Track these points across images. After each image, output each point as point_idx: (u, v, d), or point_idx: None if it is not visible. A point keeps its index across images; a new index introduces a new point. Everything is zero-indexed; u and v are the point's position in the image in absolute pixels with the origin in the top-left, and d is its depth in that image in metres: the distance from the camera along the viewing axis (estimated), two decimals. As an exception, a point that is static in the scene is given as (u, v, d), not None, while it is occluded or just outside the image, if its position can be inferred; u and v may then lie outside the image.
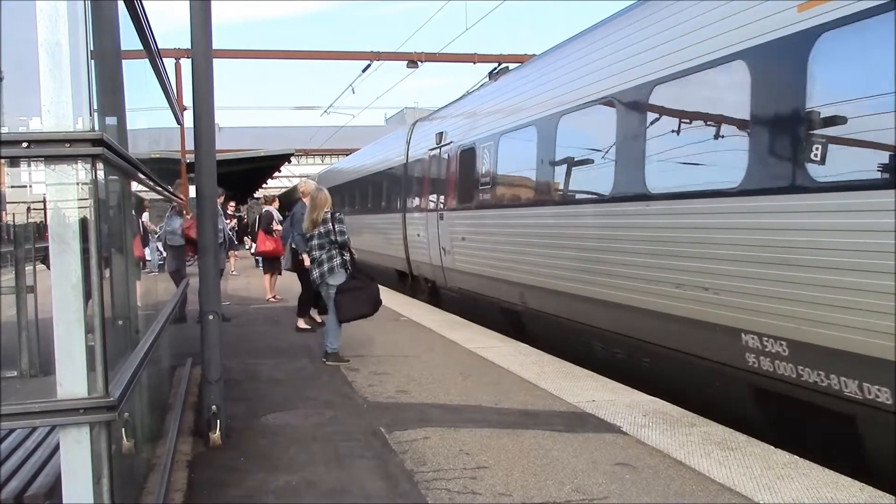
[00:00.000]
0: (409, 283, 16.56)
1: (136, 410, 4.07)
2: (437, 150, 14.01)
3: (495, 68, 24.02)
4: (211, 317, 5.76)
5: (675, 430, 5.65)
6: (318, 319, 11.06)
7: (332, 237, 8.45)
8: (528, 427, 5.82)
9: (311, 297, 11.00)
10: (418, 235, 15.08)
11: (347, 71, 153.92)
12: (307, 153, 53.18)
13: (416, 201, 15.38)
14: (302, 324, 11.11)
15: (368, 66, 25.56)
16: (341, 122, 39.26)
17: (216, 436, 5.61)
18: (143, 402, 4.38)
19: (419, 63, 25.22)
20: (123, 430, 3.62)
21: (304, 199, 10.33)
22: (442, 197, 13.53)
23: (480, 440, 5.54)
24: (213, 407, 5.65)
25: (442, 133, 13.86)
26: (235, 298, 14.72)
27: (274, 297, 14.49)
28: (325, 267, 8.49)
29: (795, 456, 5.06)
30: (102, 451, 2.53)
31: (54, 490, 3.47)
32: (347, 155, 32.83)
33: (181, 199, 10.48)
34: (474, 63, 25.91)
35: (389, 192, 18.17)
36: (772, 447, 5.24)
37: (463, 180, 12.36)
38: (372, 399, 6.88)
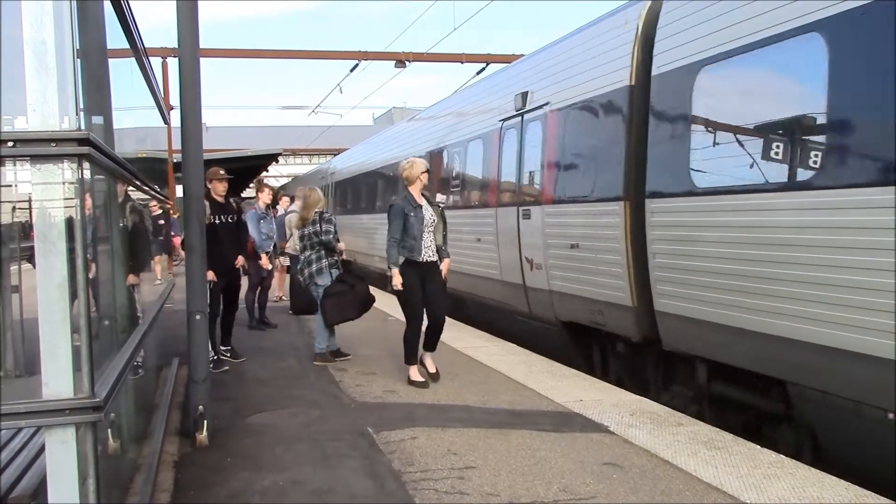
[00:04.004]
0: None
1: (123, 410, 4.05)
2: None
3: (483, 68, 24.11)
4: (198, 317, 5.73)
5: (662, 430, 5.67)
6: (432, 370, 7.56)
7: (319, 237, 8.44)
8: (515, 427, 5.83)
9: (415, 334, 7.45)
10: None
11: (335, 70, 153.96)
12: (295, 153, 53.04)
13: None
14: (415, 374, 7.42)
15: (356, 65, 25.54)
16: (329, 122, 39.21)
17: (202, 436, 5.59)
18: (130, 402, 4.37)
19: (407, 63, 25.21)
20: (109, 430, 3.60)
21: (411, 187, 7.44)
22: None
23: (468, 440, 5.54)
24: (200, 407, 5.63)
25: None
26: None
27: (281, 297, 14.31)
28: (314, 267, 8.47)
29: (782, 455, 5.09)
30: (88, 451, 2.51)
31: (39, 491, 3.45)
32: (336, 155, 32.64)
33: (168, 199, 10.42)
34: (462, 63, 25.94)
35: None
36: (758, 447, 5.27)
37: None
38: (359, 399, 6.87)
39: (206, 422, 5.61)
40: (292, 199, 14.93)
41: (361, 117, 64.16)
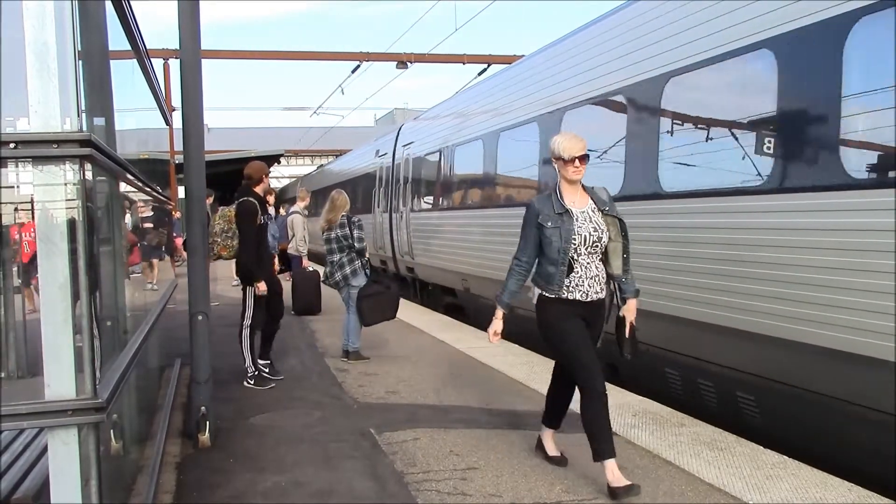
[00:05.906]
0: None
1: (125, 411, 4.05)
2: None
3: (484, 69, 24.12)
4: (200, 317, 5.74)
5: (665, 431, 5.67)
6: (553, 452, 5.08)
7: (351, 242, 8.50)
8: (517, 427, 5.83)
9: (565, 394, 5.05)
10: None
11: (337, 72, 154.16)
12: (297, 154, 53.10)
13: None
14: (551, 445, 5.15)
15: (358, 66, 25.57)
16: (331, 123, 39.22)
17: (205, 437, 5.59)
18: (132, 404, 4.36)
19: (408, 64, 25.23)
20: (112, 431, 3.60)
21: (562, 182, 4.68)
22: None
23: (470, 441, 5.54)
24: (202, 408, 5.63)
25: None
26: (226, 299, 14.67)
27: None
28: (348, 269, 8.58)
29: (784, 456, 5.08)
30: (91, 452, 2.51)
31: (42, 492, 3.45)
32: (338, 156, 32.64)
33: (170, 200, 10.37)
34: (463, 64, 26.02)
35: None
36: (761, 447, 5.27)
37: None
38: (361, 400, 6.87)
39: (208, 423, 5.62)
40: (287, 202, 14.78)
41: (363, 119, 64.29)
